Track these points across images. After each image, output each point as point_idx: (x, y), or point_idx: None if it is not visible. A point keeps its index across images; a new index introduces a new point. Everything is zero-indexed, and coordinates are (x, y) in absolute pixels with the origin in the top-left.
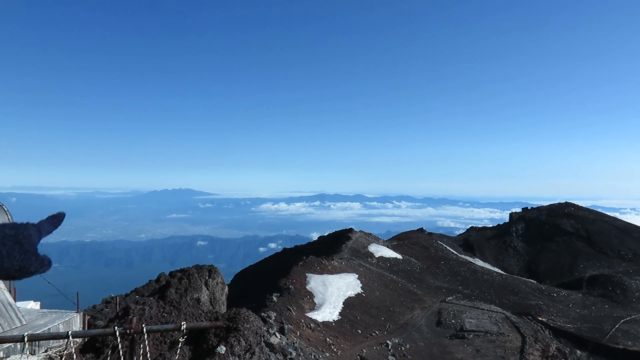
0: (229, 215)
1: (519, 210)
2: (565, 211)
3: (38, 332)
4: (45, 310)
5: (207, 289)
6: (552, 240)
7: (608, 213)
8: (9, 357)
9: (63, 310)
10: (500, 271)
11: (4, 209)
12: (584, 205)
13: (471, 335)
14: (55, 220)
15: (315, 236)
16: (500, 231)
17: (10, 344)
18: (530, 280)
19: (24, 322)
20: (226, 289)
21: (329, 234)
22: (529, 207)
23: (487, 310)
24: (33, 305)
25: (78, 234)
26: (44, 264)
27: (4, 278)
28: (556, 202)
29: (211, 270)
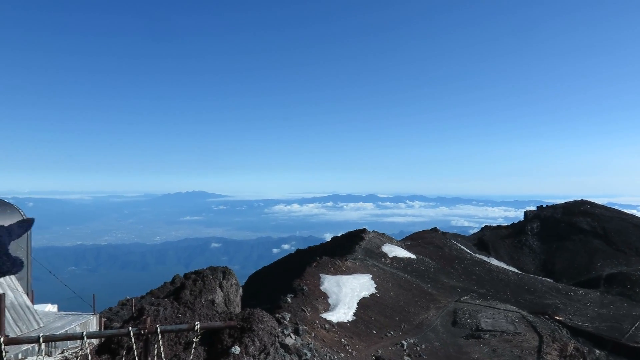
0: (243, 217)
1: (534, 208)
2: (581, 209)
3: (55, 334)
4: (62, 312)
5: (222, 290)
6: (568, 239)
7: (625, 210)
8: (27, 358)
9: (80, 313)
10: (515, 270)
11: (21, 213)
12: (600, 203)
13: (487, 335)
14: (25, 224)
15: (328, 237)
16: (515, 230)
17: (28, 345)
18: (546, 279)
19: (42, 325)
20: (240, 290)
21: (342, 235)
22: (544, 205)
23: (503, 309)
24: (50, 308)
25: (94, 237)
26: (16, 264)
27: None
28: (572, 199)
29: (225, 272)
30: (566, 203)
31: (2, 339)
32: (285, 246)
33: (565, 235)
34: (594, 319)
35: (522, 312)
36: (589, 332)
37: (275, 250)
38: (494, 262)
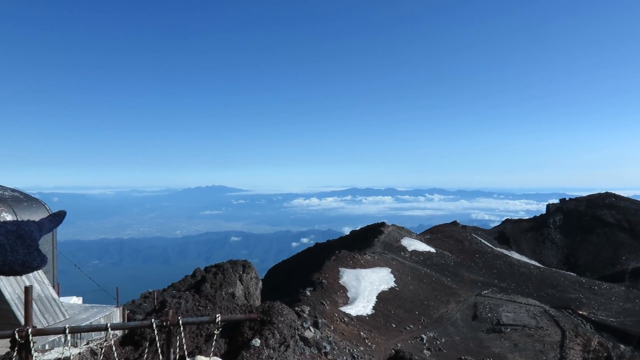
0: (262, 211)
1: (556, 201)
2: (605, 202)
3: (79, 325)
4: (87, 305)
5: (242, 283)
6: (592, 232)
7: None
8: (53, 349)
9: (104, 305)
10: (537, 264)
11: (46, 208)
12: (625, 195)
13: (508, 329)
14: (57, 218)
15: (347, 231)
16: (537, 223)
17: (55, 336)
18: (569, 273)
19: (67, 317)
20: (260, 283)
21: (361, 228)
22: (567, 198)
23: (525, 304)
24: (75, 300)
25: (117, 231)
26: (44, 260)
27: (7, 273)
28: (596, 192)
29: (245, 266)
30: (590, 196)
31: (30, 330)
32: (304, 240)
33: (589, 228)
34: (619, 313)
35: (545, 306)
36: (614, 327)
37: (294, 244)
38: (516, 255)
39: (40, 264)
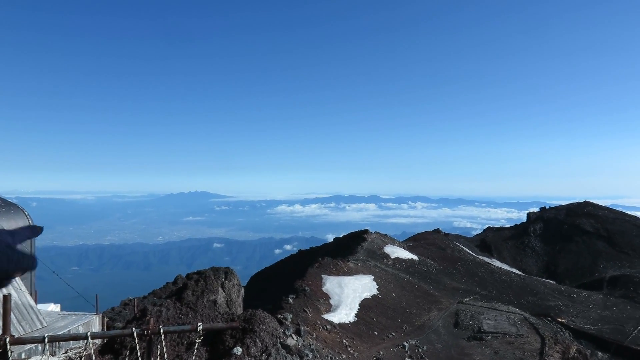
0: (245, 217)
1: (536, 210)
2: (584, 210)
3: (58, 333)
4: (65, 312)
5: (224, 290)
6: (572, 240)
7: (629, 212)
8: (31, 358)
9: (83, 313)
10: (518, 272)
11: (25, 214)
12: (603, 205)
13: (489, 337)
14: (31, 231)
15: (330, 238)
16: (517, 231)
17: (32, 345)
18: (549, 281)
19: (45, 324)
20: (242, 290)
21: (345, 236)
22: (547, 207)
23: (505, 311)
24: (53, 307)
25: (97, 237)
26: (35, 260)
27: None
28: (575, 201)
29: (227, 272)
30: (569, 204)
31: (8, 339)
32: (288, 247)
33: (568, 236)
34: (597, 321)
35: (525, 313)
36: (592, 335)
37: (277, 251)
38: (497, 263)
39: (31, 263)
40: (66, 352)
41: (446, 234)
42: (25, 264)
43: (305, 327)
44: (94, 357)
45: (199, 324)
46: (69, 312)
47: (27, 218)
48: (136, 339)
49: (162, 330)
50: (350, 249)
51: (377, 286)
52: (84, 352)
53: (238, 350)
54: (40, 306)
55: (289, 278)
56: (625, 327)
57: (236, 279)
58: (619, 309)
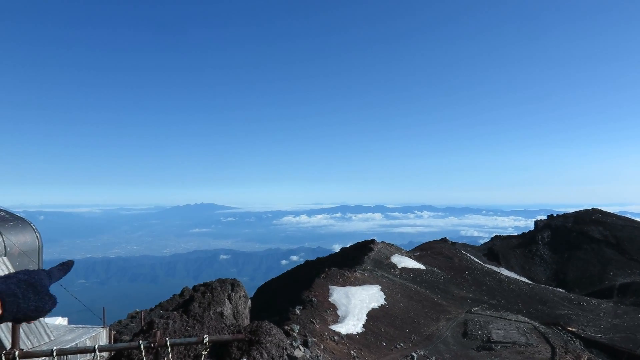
0: (251, 228)
1: (544, 217)
2: (592, 218)
3: (66, 347)
4: (72, 325)
5: (230, 302)
6: (580, 248)
7: (637, 219)
8: None
9: (90, 326)
10: (526, 280)
11: (32, 227)
12: (612, 211)
13: (498, 347)
14: (65, 267)
15: (337, 248)
16: (525, 239)
17: (40, 358)
18: (558, 289)
19: (53, 338)
20: (249, 302)
21: (351, 246)
22: (555, 215)
23: (515, 320)
24: (61, 321)
25: (104, 250)
26: (55, 302)
27: (21, 319)
28: (583, 208)
29: (234, 284)
30: (577, 212)
31: (17, 353)
32: (294, 258)
33: (576, 244)
34: (608, 329)
35: (534, 323)
36: (603, 343)
37: (283, 262)
38: (505, 272)
39: (52, 306)
40: None
41: (453, 243)
42: (47, 307)
43: (313, 339)
44: None
45: (205, 336)
46: (76, 326)
47: (35, 232)
48: (143, 351)
49: (169, 343)
50: (357, 259)
51: (384, 296)
52: None
53: None
54: (47, 320)
55: (296, 289)
56: (637, 335)
57: (243, 291)
58: (630, 317)
